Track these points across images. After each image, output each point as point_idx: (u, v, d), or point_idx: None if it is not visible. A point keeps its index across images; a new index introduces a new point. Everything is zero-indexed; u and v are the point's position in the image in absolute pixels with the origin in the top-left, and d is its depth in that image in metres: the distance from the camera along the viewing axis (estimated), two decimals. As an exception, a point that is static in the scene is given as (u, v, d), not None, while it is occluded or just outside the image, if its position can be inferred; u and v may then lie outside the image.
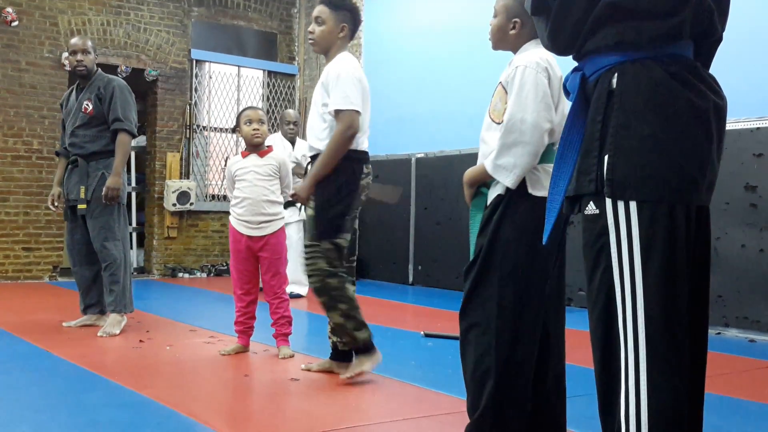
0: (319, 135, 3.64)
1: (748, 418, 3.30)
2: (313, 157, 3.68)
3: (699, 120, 1.71)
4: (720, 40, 1.87)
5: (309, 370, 3.88)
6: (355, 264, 3.85)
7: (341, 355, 3.86)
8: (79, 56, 5.10)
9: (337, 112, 3.54)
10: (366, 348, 3.70)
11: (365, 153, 3.70)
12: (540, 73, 2.40)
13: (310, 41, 3.74)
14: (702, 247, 1.80)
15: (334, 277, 3.57)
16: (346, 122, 3.51)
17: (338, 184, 3.58)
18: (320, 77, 3.70)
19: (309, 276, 3.61)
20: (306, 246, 3.61)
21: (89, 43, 5.19)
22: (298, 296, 7.03)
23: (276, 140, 6.99)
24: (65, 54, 8.50)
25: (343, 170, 3.58)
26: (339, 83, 3.55)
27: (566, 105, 2.51)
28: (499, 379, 2.38)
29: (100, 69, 5.28)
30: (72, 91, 5.31)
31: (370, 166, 3.74)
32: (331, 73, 3.61)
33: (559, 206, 1.86)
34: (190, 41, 9.49)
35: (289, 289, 6.94)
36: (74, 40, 5.20)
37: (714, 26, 1.82)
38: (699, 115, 1.71)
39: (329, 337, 3.90)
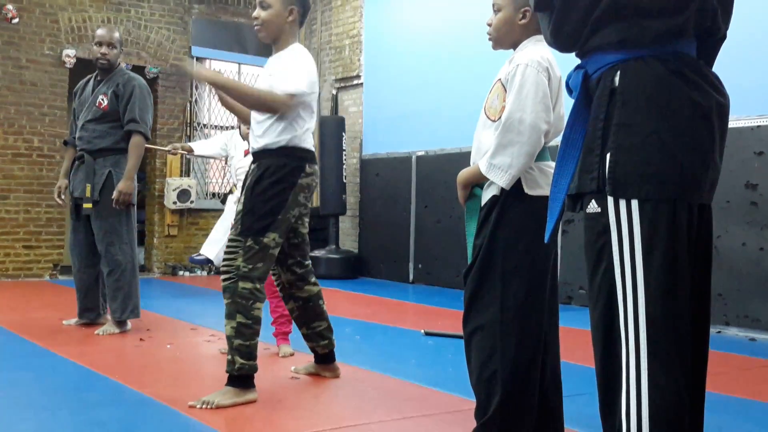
0: (256, 132, 3.44)
1: (749, 416, 3.29)
2: (257, 154, 3.44)
3: (701, 118, 1.71)
4: (724, 38, 1.87)
5: (297, 372, 3.85)
6: (310, 266, 3.70)
7: (324, 358, 3.79)
8: (104, 49, 4.95)
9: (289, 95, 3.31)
10: (240, 380, 3.26)
11: (308, 151, 3.42)
12: (541, 72, 2.39)
13: (257, 27, 3.43)
14: (703, 246, 1.80)
15: (248, 282, 3.25)
16: (281, 99, 3.27)
17: (272, 180, 3.31)
18: (268, 67, 3.46)
19: (223, 272, 3.30)
20: (229, 240, 3.34)
21: (116, 36, 5.02)
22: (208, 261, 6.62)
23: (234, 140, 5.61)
24: (66, 51, 8.51)
25: (280, 166, 3.33)
26: (287, 66, 3.36)
27: (563, 105, 2.51)
28: (506, 383, 2.37)
29: (122, 64, 5.17)
30: (89, 81, 5.15)
31: (316, 166, 3.49)
32: (281, 61, 3.41)
33: (560, 205, 1.86)
34: (191, 38, 9.49)
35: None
36: (101, 31, 5.02)
37: (717, 25, 1.81)
38: (701, 113, 1.71)
39: (306, 344, 3.81)
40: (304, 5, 3.47)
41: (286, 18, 3.40)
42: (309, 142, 3.45)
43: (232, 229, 3.39)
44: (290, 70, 3.33)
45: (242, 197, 3.39)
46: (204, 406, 3.16)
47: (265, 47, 10.02)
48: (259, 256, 3.28)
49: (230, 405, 3.19)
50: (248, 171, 3.51)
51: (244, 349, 3.25)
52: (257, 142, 3.42)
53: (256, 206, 3.30)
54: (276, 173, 3.33)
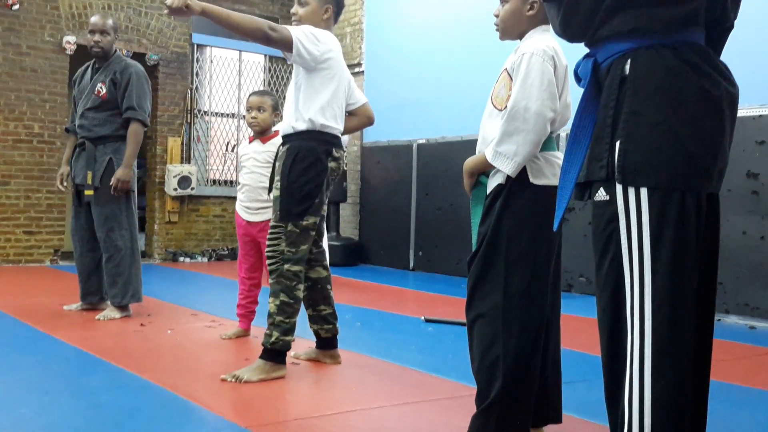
0: (285, 113, 3.55)
1: (748, 404, 3.30)
2: (285, 137, 3.54)
3: (712, 107, 1.70)
4: (731, 28, 1.86)
5: (298, 358, 3.86)
6: (323, 248, 3.81)
7: (326, 343, 3.82)
8: (97, 37, 4.93)
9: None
10: (275, 354, 3.46)
11: (335, 136, 3.52)
12: (546, 61, 2.38)
13: (294, 23, 3.58)
14: (711, 235, 1.79)
15: (292, 264, 3.43)
16: (277, 27, 3.31)
17: (305, 165, 3.43)
18: None
19: (269, 257, 3.48)
20: (271, 227, 3.50)
21: (110, 23, 4.99)
22: None
23: None
24: (66, 38, 8.49)
25: (311, 151, 3.43)
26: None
27: (569, 94, 2.51)
28: (508, 370, 2.37)
29: (118, 51, 5.16)
30: (87, 69, 5.14)
31: (343, 152, 3.58)
32: None
33: (569, 193, 1.85)
34: (192, 25, 9.46)
35: None
36: (94, 19, 5.01)
37: (726, 14, 1.81)
38: (712, 103, 1.70)
39: (310, 327, 3.84)
40: (338, 4, 3.63)
41: (322, 16, 3.55)
42: (335, 128, 3.52)
43: (273, 214, 3.52)
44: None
45: (277, 182, 3.48)
46: (233, 380, 3.35)
47: (266, 34, 10.00)
48: (300, 239, 3.45)
49: (257, 381, 3.36)
50: (277, 152, 3.63)
51: (284, 325, 3.43)
52: (285, 123, 3.53)
53: (294, 192, 3.43)
54: (307, 157, 3.43)
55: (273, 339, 3.43)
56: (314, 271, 3.75)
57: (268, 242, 3.50)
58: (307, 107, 3.44)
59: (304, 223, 3.45)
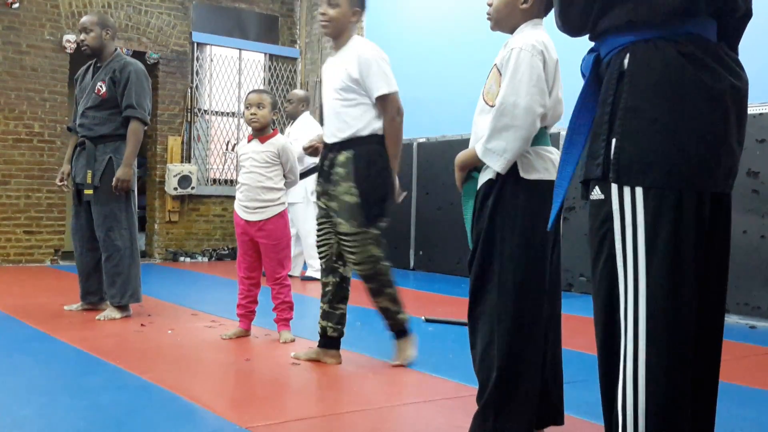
0: (339, 121, 3.65)
1: (748, 403, 3.30)
2: (340, 144, 3.65)
3: (712, 102, 1.64)
4: (748, 16, 1.78)
5: (298, 358, 3.87)
6: None
7: (329, 343, 3.82)
8: (82, 35, 4.97)
9: (384, 97, 3.62)
10: (405, 330, 3.77)
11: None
12: (535, 56, 2.37)
13: (323, 23, 3.68)
14: (720, 236, 1.74)
15: (383, 262, 3.65)
16: (396, 105, 3.70)
17: (378, 168, 3.63)
18: (339, 60, 3.69)
19: (358, 264, 3.62)
20: (351, 234, 3.59)
21: (95, 20, 4.99)
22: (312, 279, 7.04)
23: (307, 120, 7.27)
24: (66, 36, 8.49)
25: (380, 155, 3.65)
26: (374, 67, 3.63)
27: (560, 89, 2.50)
28: (501, 365, 2.37)
29: (118, 49, 5.16)
30: (89, 68, 5.14)
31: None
32: (362, 58, 3.63)
33: (564, 191, 1.82)
34: (192, 24, 9.46)
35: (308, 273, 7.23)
36: (82, 18, 5.06)
37: (734, 2, 1.72)
38: (712, 97, 1.64)
39: (319, 323, 3.84)
40: (363, 8, 3.79)
41: (350, 18, 3.70)
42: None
43: (346, 221, 3.60)
44: (377, 73, 3.68)
45: (352, 188, 3.58)
46: (404, 363, 3.69)
47: (265, 33, 10.02)
48: (381, 239, 3.66)
49: (414, 353, 3.75)
50: (324, 157, 3.76)
51: (400, 309, 3.73)
52: (343, 131, 3.64)
53: (371, 196, 3.58)
54: (377, 161, 3.65)
55: (402, 321, 3.72)
56: (345, 270, 3.81)
57: (353, 251, 3.60)
58: (369, 114, 3.64)
59: (381, 224, 3.63)
